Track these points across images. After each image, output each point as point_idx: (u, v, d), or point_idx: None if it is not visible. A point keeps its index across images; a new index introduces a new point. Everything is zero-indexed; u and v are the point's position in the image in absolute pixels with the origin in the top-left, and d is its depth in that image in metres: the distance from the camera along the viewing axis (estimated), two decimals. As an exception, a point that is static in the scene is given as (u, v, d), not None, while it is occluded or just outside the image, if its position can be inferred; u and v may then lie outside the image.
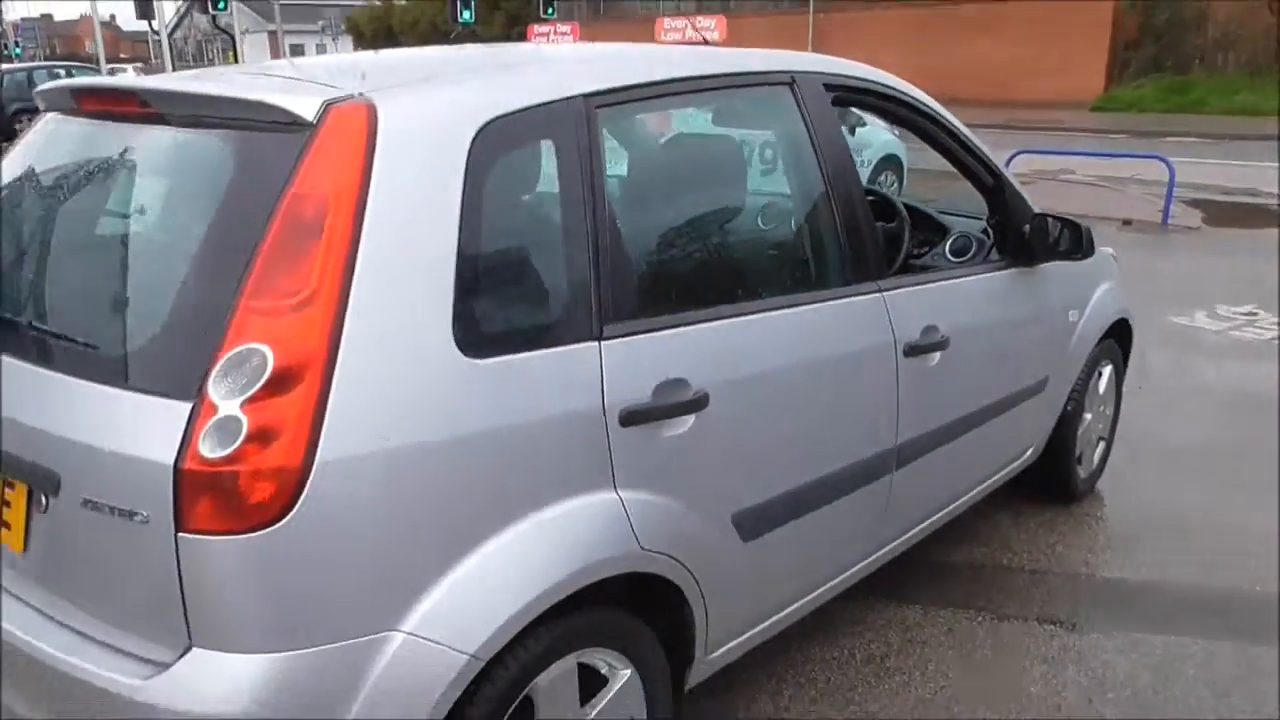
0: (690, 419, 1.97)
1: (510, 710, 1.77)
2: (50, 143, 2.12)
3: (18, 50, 51.63)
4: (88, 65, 24.17)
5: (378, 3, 50.72)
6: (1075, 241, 3.09)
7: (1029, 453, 3.45)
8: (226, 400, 1.47)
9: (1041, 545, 3.49)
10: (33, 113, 2.22)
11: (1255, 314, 6.44)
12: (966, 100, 7.82)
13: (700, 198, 2.32)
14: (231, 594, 1.50)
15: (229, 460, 1.45)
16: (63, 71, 22.50)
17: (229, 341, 1.49)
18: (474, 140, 1.72)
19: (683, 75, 2.21)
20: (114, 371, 1.58)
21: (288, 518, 1.48)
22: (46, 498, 1.65)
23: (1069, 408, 3.53)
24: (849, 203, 2.45)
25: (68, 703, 1.64)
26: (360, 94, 1.67)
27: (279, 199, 1.56)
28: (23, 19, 60.09)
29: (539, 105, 1.85)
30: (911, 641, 2.90)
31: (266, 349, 1.48)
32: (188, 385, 1.49)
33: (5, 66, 25.26)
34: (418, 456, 1.58)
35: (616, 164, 2.13)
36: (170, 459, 1.47)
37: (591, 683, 1.95)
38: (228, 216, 1.63)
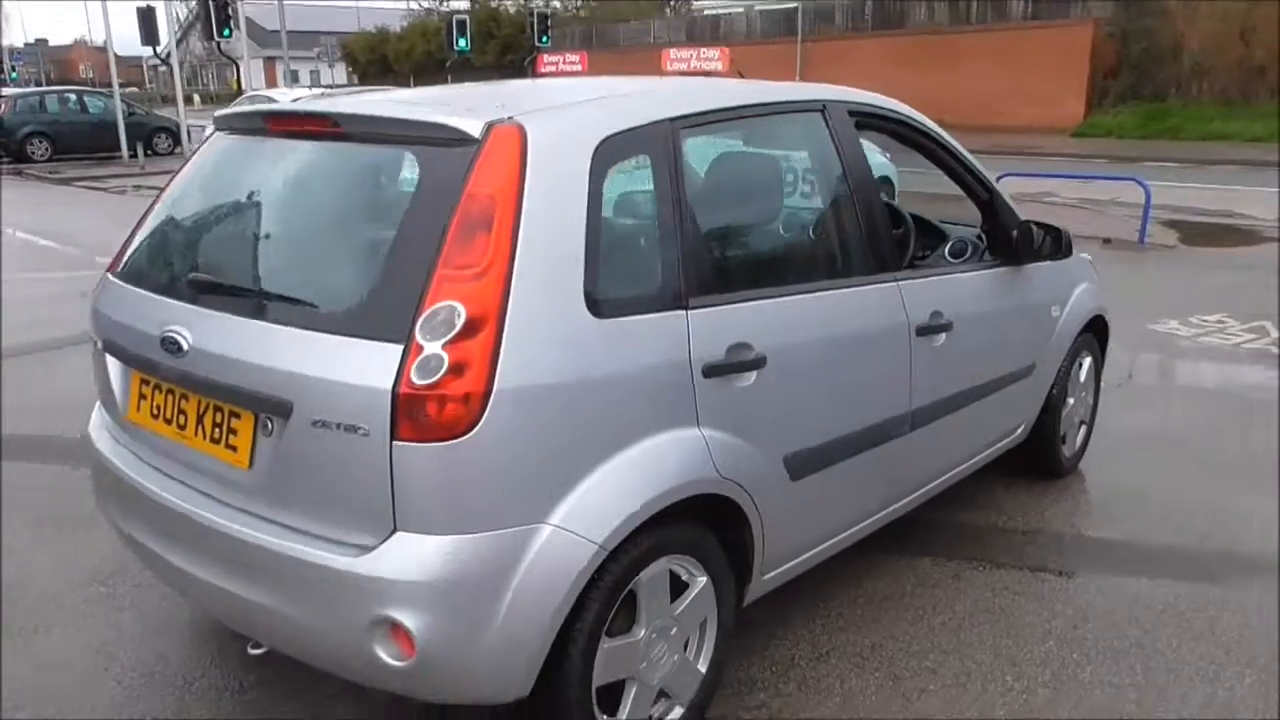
0: (753, 375, 2.48)
1: (619, 600, 2.26)
2: (240, 156, 2.64)
3: (14, 74, 51.96)
4: (100, 90, 24.60)
5: (372, 31, 51.46)
6: (1056, 244, 3.65)
7: (1020, 430, 3.97)
8: (430, 342, 1.97)
9: (1032, 511, 4.00)
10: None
11: (1224, 322, 7.00)
12: (951, 125, 8.39)
13: (756, 200, 2.86)
14: (430, 488, 2.00)
15: (433, 387, 1.95)
16: (73, 96, 22.99)
17: (429, 300, 1.99)
18: (594, 153, 2.24)
19: (740, 104, 2.74)
20: (340, 324, 2.08)
21: (473, 431, 1.97)
22: (273, 423, 2.15)
23: (1054, 392, 4.05)
24: (869, 207, 2.98)
25: (288, 582, 2.12)
26: (510, 117, 2.19)
27: (458, 197, 2.07)
28: (25, 44, 60.57)
29: (639, 126, 2.37)
30: (923, 584, 3.40)
31: (459, 305, 1.98)
32: (399, 332, 1.99)
33: (11, 91, 25.69)
34: (561, 390, 2.09)
35: (693, 173, 2.64)
36: (389, 386, 1.96)
37: (676, 588, 2.44)
38: (418, 209, 2.14)
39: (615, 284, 2.24)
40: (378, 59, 49.56)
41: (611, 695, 2.35)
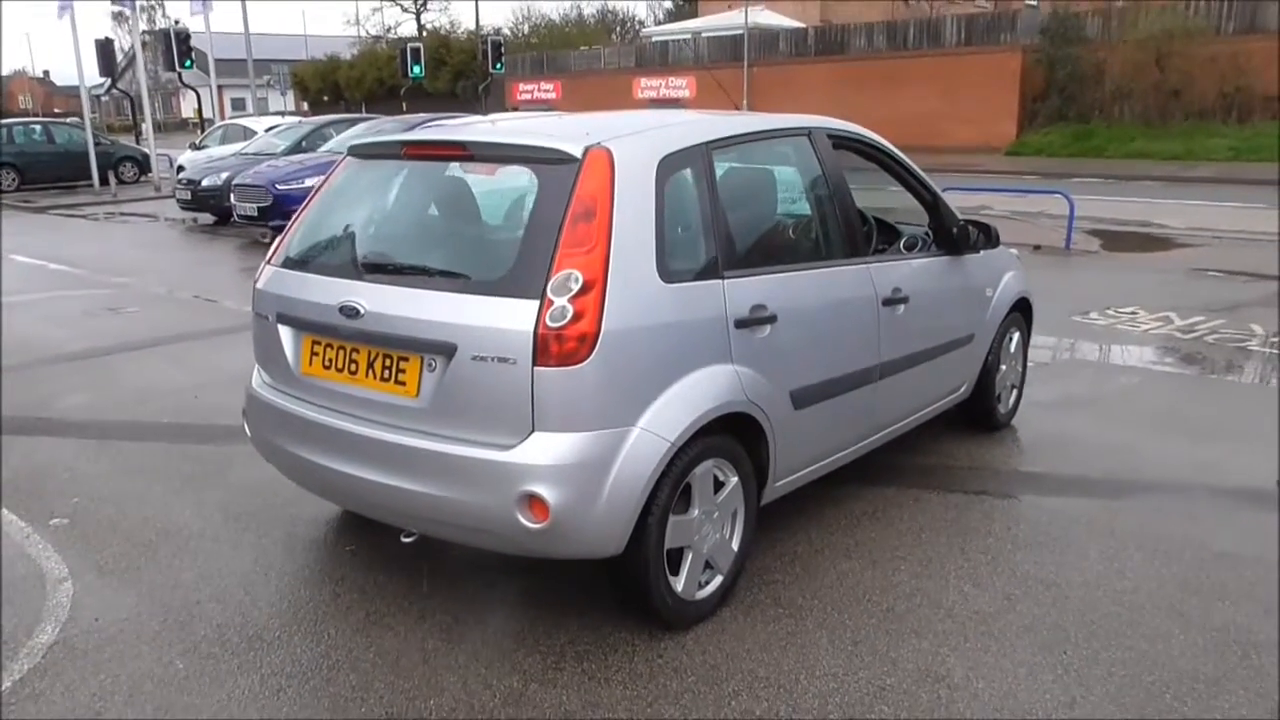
0: (768, 328, 3.38)
1: (680, 488, 3.13)
2: (379, 175, 3.52)
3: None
4: (64, 121, 24.94)
5: (323, 59, 51.96)
6: (987, 237, 4.64)
7: (964, 388, 4.92)
8: (558, 298, 2.84)
9: (975, 453, 4.95)
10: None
11: (1136, 313, 8.10)
12: (894, 145, 9.46)
13: (764, 202, 3.79)
14: (559, 400, 2.86)
15: (562, 328, 2.82)
16: (39, 127, 23.34)
17: (555, 269, 2.87)
18: (658, 167, 3.14)
19: (750, 130, 3.67)
20: (491, 288, 2.94)
21: (588, 360, 2.85)
22: (436, 362, 2.99)
23: (989, 359, 5.01)
24: (845, 208, 3.92)
25: (450, 474, 2.97)
26: (599, 143, 3.08)
27: (569, 199, 2.95)
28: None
29: (686, 148, 3.28)
30: (890, 504, 4.32)
31: (577, 272, 2.86)
32: (535, 291, 2.86)
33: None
34: (644, 333, 2.96)
35: (722, 182, 3.55)
36: (530, 328, 2.83)
37: (716, 486, 3.33)
38: (541, 207, 3.01)
39: (675, 259, 3.13)
40: (328, 86, 50.13)
41: (674, 562, 3.22)
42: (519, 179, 3.20)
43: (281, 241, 3.64)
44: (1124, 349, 7.07)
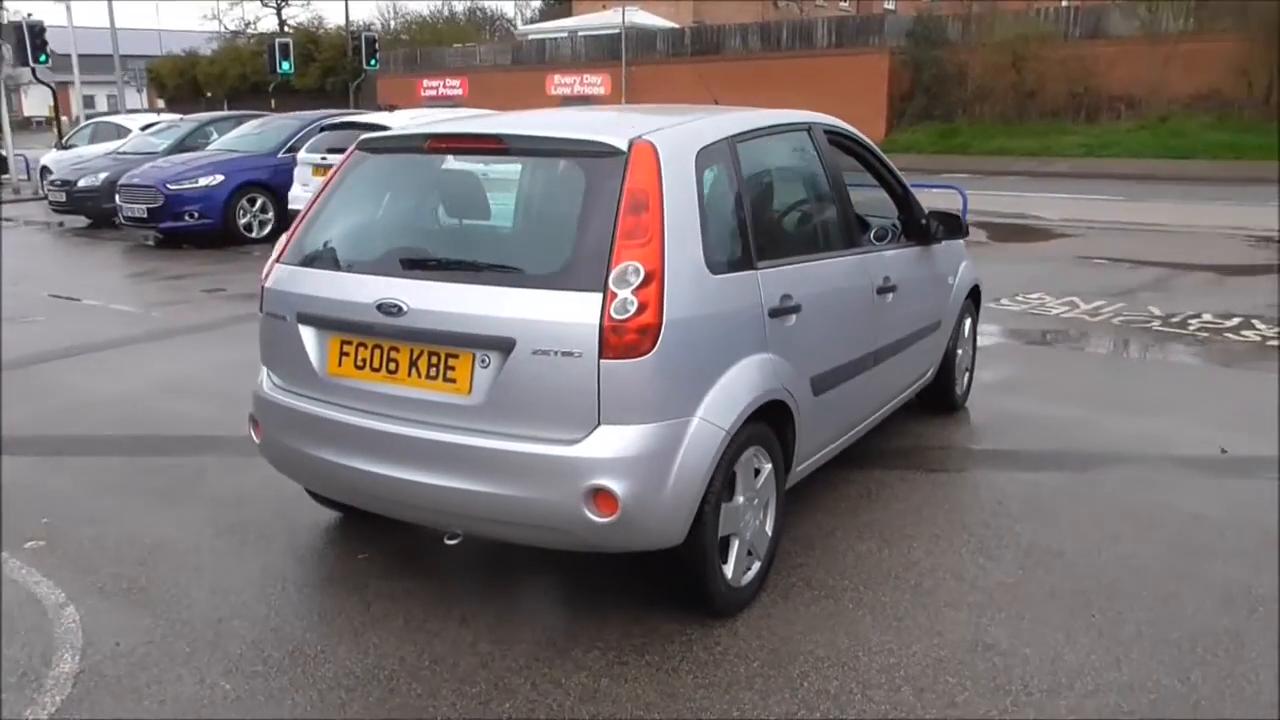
0: (793, 317, 3.46)
1: (726, 478, 3.18)
2: (399, 169, 3.44)
3: None
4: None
5: (180, 54, 49.56)
6: (955, 227, 4.84)
7: (930, 372, 5.13)
8: (621, 290, 2.84)
9: (942, 435, 5.17)
10: None
11: (1043, 299, 8.57)
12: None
13: (781, 194, 3.88)
14: (624, 392, 2.86)
15: (627, 321, 2.82)
16: None
17: (615, 261, 2.86)
18: (695, 159, 3.17)
19: (765, 125, 3.74)
20: (549, 281, 2.91)
21: (652, 352, 2.86)
22: (490, 357, 2.94)
23: (950, 345, 5.24)
24: (844, 200, 4.04)
25: (509, 472, 2.92)
26: (642, 136, 3.09)
27: (620, 190, 2.95)
28: None
29: (717, 141, 3.32)
30: (883, 485, 4.47)
31: (638, 264, 2.86)
32: (597, 284, 2.85)
33: None
34: (699, 323, 2.99)
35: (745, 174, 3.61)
36: (596, 321, 2.82)
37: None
38: (592, 200, 3.00)
39: (717, 250, 3.17)
40: (186, 83, 47.84)
41: (722, 550, 3.26)
42: (572, 173, 3.17)
43: (291, 238, 3.50)
44: (1043, 332, 7.48)
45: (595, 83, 9.72)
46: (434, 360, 3.06)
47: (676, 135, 3.23)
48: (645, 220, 2.93)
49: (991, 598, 3.44)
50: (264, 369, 3.55)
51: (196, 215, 11.95)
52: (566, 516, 2.92)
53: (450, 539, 3.27)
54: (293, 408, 3.36)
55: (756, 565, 3.45)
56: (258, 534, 3.99)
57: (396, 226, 3.45)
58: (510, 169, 3.36)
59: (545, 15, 46.14)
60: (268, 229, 12.34)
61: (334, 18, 67.08)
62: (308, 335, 3.31)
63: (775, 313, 3.35)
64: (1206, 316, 7.79)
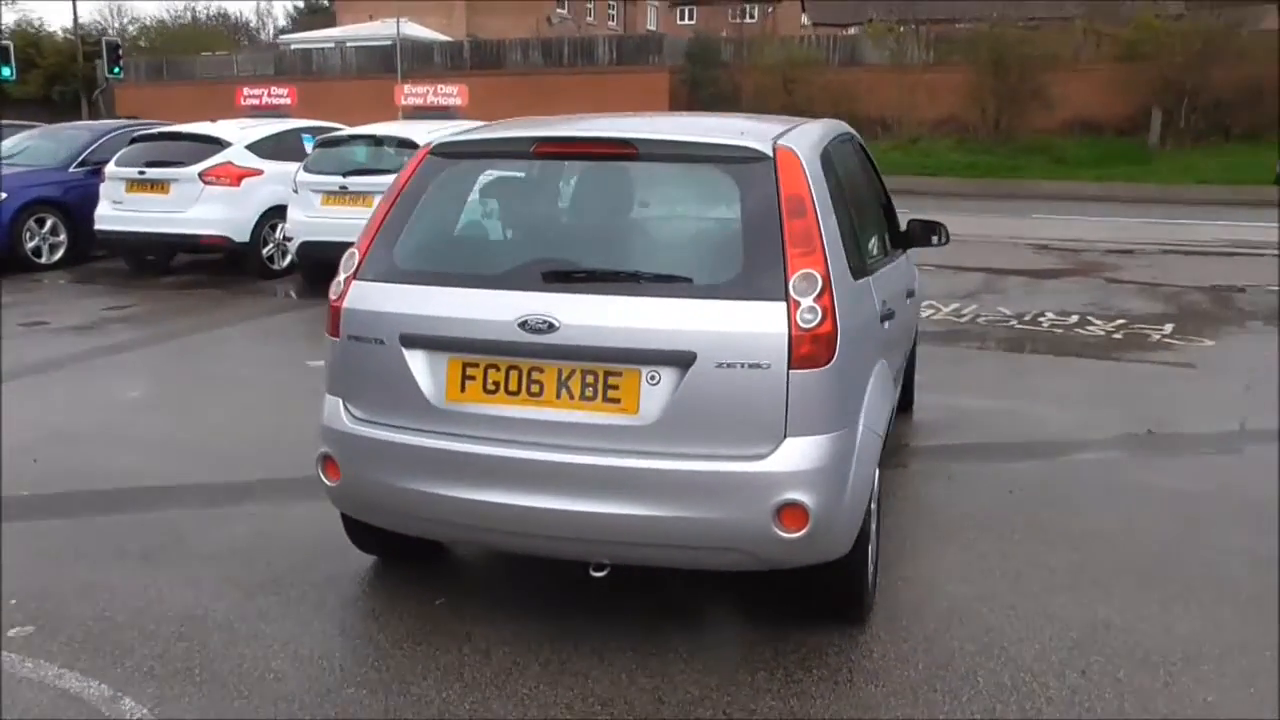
0: (889, 322, 3.51)
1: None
2: (504, 175, 3.15)
3: None
4: None
5: None
6: (937, 232, 5.07)
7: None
8: (803, 298, 2.77)
9: (905, 433, 5.37)
10: None
11: (935, 306, 9.08)
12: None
13: (868, 201, 3.94)
14: (810, 403, 2.79)
15: (812, 329, 2.76)
16: None
17: (791, 269, 2.79)
18: (820, 160, 3.15)
19: (839, 132, 3.78)
20: (726, 292, 2.79)
21: (833, 360, 2.81)
22: (660, 374, 2.78)
23: (912, 345, 5.49)
24: (889, 207, 4.15)
25: (688, 494, 2.77)
26: (778, 140, 3.03)
27: (779, 198, 2.89)
28: None
29: (824, 146, 3.31)
30: (886, 482, 4.60)
31: (814, 271, 2.80)
32: (778, 293, 2.76)
33: None
34: (856, 330, 2.97)
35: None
36: (784, 330, 2.74)
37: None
38: (751, 206, 2.90)
39: (851, 256, 3.16)
40: None
41: (855, 556, 3.24)
42: (719, 178, 3.06)
43: (367, 252, 3.15)
44: (922, 333, 7.97)
45: (450, 93, 9.35)
46: (590, 380, 2.85)
47: (801, 139, 3.19)
48: (806, 226, 2.88)
49: (1074, 579, 3.63)
50: (336, 401, 3.17)
51: (-28, 239, 10.42)
52: (752, 535, 2.81)
53: (597, 570, 3.05)
54: (394, 442, 3.02)
55: (871, 568, 3.46)
56: (298, 591, 3.54)
57: (524, 236, 3.19)
58: (613, 173, 3.16)
59: (299, 25, 43.97)
60: (60, 253, 10.98)
61: (53, 19, 60.38)
62: (417, 359, 2.99)
63: (883, 318, 3.39)
64: (1051, 315, 8.56)
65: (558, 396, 2.87)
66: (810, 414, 2.81)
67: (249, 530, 4.05)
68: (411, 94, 10.62)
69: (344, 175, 9.09)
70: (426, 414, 2.99)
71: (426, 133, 9.52)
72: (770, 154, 2.96)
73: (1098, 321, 8.23)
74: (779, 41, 27.85)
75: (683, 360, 2.78)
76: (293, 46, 32.82)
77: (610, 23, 44.02)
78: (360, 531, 3.56)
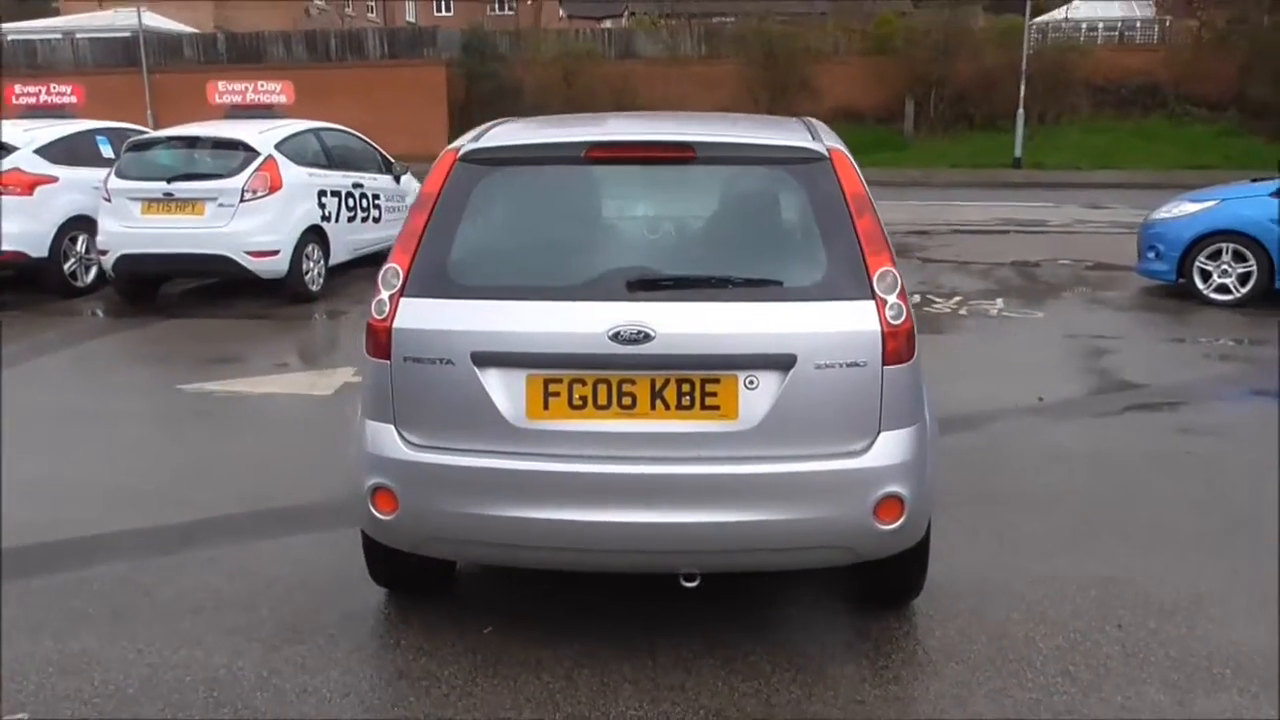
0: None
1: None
2: (561, 180, 3.05)
3: None
4: None
5: None
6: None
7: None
8: (888, 296, 2.84)
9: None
10: None
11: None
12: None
13: None
14: (901, 397, 2.86)
15: (899, 326, 2.83)
16: None
17: (872, 268, 2.85)
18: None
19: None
20: (818, 293, 2.81)
21: (914, 357, 2.90)
22: (759, 378, 2.76)
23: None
24: None
25: (790, 495, 2.78)
26: (826, 142, 3.09)
27: (844, 198, 2.94)
28: None
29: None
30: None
31: (892, 270, 2.88)
32: (864, 292, 2.82)
33: None
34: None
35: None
36: (877, 328, 2.80)
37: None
38: (821, 207, 2.93)
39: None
40: None
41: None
42: (782, 179, 3.08)
43: (410, 268, 2.92)
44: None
45: (273, 90, 8.55)
46: (686, 389, 2.79)
47: (837, 140, 3.25)
48: (873, 224, 2.95)
49: (1062, 542, 3.93)
50: (385, 428, 2.93)
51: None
52: (852, 530, 2.86)
53: (688, 582, 2.98)
54: (470, 467, 2.83)
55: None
56: (324, 635, 3.25)
57: (594, 244, 3.04)
58: (672, 177, 3.10)
59: (7, 13, 39.28)
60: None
61: None
62: (493, 379, 2.81)
63: None
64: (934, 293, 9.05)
65: (652, 408, 2.80)
66: (899, 408, 2.88)
67: (222, 576, 3.66)
68: (227, 91, 9.75)
69: (168, 181, 8.26)
70: (506, 435, 2.82)
71: (258, 133, 8.85)
72: (825, 154, 3.01)
73: (939, 300, 8.82)
74: (556, 35, 27.89)
75: (784, 363, 2.78)
76: (10, 38, 29.25)
77: (370, 14, 42.39)
78: (384, 565, 3.32)
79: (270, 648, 3.17)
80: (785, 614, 3.37)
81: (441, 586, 3.54)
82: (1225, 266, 8.18)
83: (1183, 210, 8.55)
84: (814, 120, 3.55)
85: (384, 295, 2.92)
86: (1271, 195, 8.03)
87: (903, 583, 3.32)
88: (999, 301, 8.70)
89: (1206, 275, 8.25)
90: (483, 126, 3.40)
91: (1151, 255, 8.60)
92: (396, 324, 2.88)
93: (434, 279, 2.91)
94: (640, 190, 3.24)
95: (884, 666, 3.06)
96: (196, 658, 3.12)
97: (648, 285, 2.84)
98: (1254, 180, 8.84)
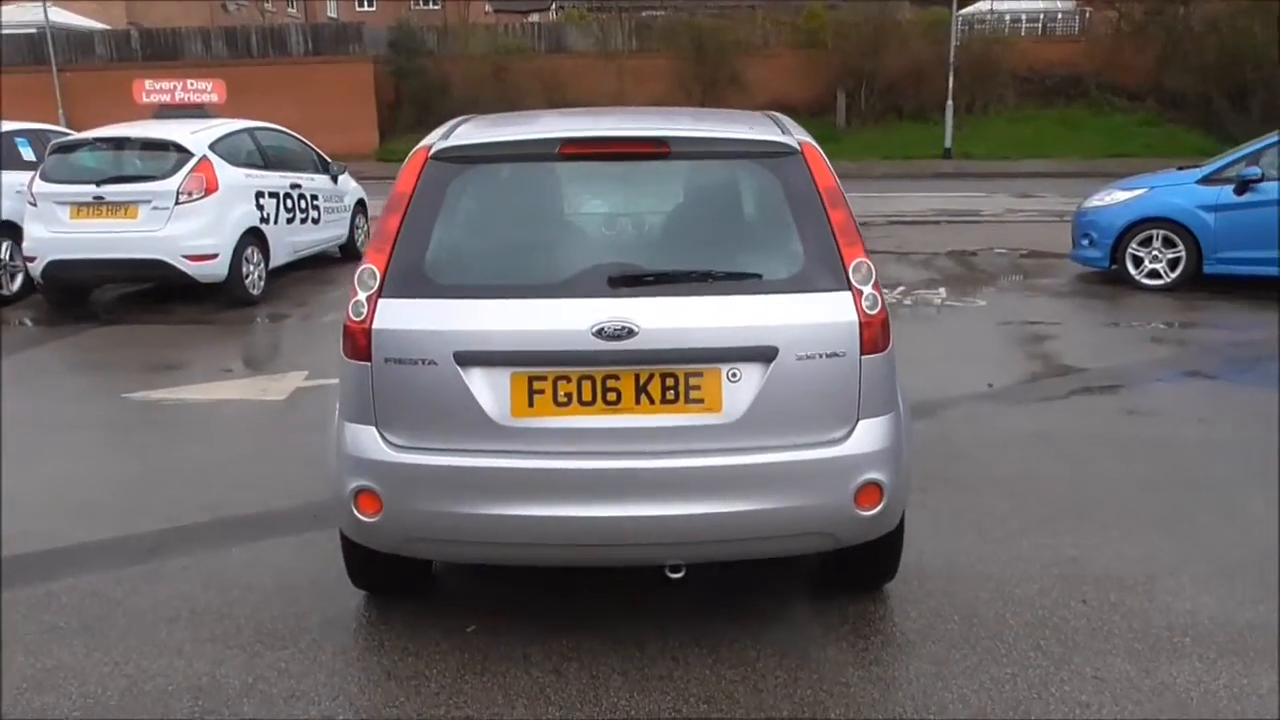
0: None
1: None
2: (533, 177, 3.07)
3: None
4: None
5: None
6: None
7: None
8: (865, 287, 2.91)
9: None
10: None
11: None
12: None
13: None
14: (877, 386, 2.93)
15: (875, 315, 2.91)
16: None
17: (847, 259, 2.92)
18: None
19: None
20: (794, 285, 2.86)
21: (889, 347, 2.98)
22: (741, 370, 2.81)
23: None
24: None
25: (775, 484, 2.84)
26: (793, 135, 3.14)
27: (817, 191, 3.00)
28: None
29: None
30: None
31: (865, 260, 2.95)
32: (841, 283, 2.89)
33: None
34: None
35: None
36: (854, 318, 2.86)
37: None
38: (796, 200, 2.98)
39: (859, 245, 3.34)
40: None
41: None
42: (754, 174, 3.12)
43: (386, 268, 2.90)
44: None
45: (204, 89, 8.30)
46: (670, 383, 2.83)
47: (805, 134, 3.31)
48: (846, 216, 3.02)
49: (1025, 523, 4.05)
50: (365, 429, 2.91)
51: None
52: (834, 517, 2.92)
53: (674, 573, 3.02)
54: (455, 467, 2.83)
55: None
56: (307, 639, 3.22)
57: (572, 242, 3.04)
58: (648, 173, 3.12)
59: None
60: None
61: None
62: (477, 377, 2.82)
63: None
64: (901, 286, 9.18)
65: (637, 402, 2.83)
66: (876, 396, 2.96)
67: (195, 584, 3.60)
68: (155, 90, 9.48)
69: (98, 184, 8.02)
70: (491, 434, 2.83)
71: (190, 133, 8.63)
72: (797, 148, 3.07)
73: (943, 292, 8.88)
74: (484, 29, 27.67)
75: (765, 355, 2.83)
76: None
77: (290, 10, 41.47)
78: (364, 567, 3.31)
79: (252, 654, 3.14)
80: (765, 601, 3.44)
81: (422, 588, 3.53)
82: (1156, 253, 8.50)
83: (1114, 198, 8.85)
84: (778, 114, 3.60)
85: (361, 297, 2.90)
86: (1197, 183, 8.36)
87: (879, 567, 3.40)
88: (941, 291, 8.89)
89: (1138, 261, 8.56)
90: (448, 124, 3.39)
91: (1085, 242, 8.89)
92: (376, 325, 2.87)
93: (412, 279, 2.90)
94: (615, 186, 3.27)
95: (864, 649, 3.15)
96: (177, 667, 3.07)
97: (630, 281, 2.87)
98: (1180, 169, 9.19)
